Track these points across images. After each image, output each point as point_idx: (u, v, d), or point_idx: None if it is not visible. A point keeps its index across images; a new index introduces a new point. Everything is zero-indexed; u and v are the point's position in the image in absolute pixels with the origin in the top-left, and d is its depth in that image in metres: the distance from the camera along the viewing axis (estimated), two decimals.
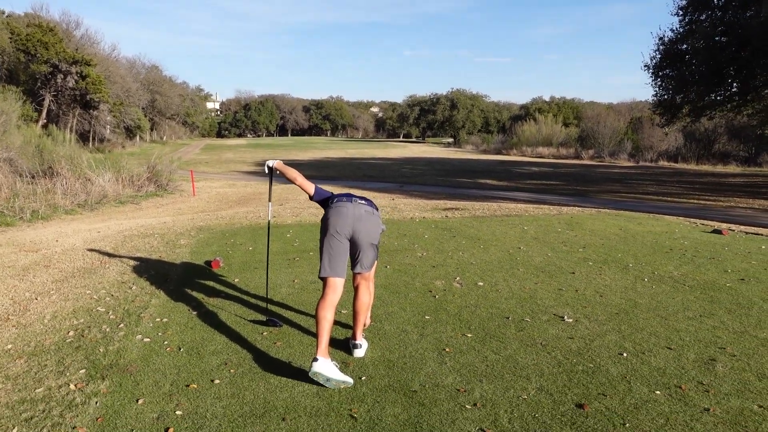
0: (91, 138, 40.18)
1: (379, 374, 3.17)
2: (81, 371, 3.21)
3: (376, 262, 3.55)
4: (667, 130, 33.28)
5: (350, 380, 3.00)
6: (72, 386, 3.02)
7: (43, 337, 3.78)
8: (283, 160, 3.80)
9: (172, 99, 62.83)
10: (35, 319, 4.17)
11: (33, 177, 14.47)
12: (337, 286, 3.26)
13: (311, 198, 3.62)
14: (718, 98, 21.15)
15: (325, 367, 2.96)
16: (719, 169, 31.61)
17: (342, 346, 3.58)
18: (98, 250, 6.80)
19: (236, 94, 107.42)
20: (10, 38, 32.14)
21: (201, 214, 11.10)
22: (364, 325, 3.65)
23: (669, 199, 16.21)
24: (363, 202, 3.43)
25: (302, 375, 3.13)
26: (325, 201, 3.55)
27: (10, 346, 3.62)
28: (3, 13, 40.60)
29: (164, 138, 65.09)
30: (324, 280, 3.29)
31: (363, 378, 3.12)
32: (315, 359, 3.00)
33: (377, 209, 3.54)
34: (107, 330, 3.89)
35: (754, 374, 3.18)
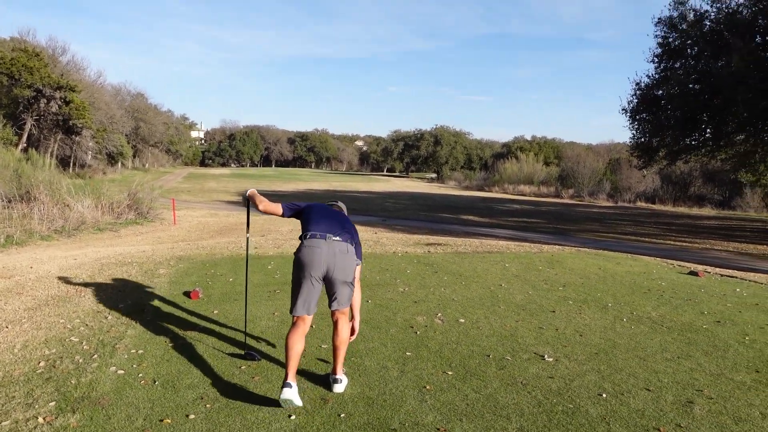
0: (71, 163, 39.76)
1: (359, 411, 3.13)
2: (51, 404, 3.10)
3: (356, 288, 3.52)
4: (644, 172, 34.15)
5: (300, 403, 3.11)
6: (40, 419, 2.91)
7: (12, 368, 3.66)
8: (266, 191, 3.81)
9: (156, 127, 62.72)
10: (5, 349, 4.04)
11: (9, 201, 14.22)
12: (307, 320, 3.33)
13: (284, 216, 3.61)
14: (693, 143, 21.86)
15: (296, 393, 3.07)
16: (695, 211, 32.39)
17: (321, 381, 3.53)
18: (74, 278, 6.65)
19: (221, 123, 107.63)
20: None
21: (181, 244, 10.97)
22: (351, 332, 3.59)
23: (647, 239, 16.51)
24: (338, 238, 3.33)
25: (280, 411, 3.08)
26: (299, 213, 3.55)
27: None
28: None
29: (146, 165, 64.69)
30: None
31: (342, 415, 3.07)
32: (288, 384, 3.06)
33: (354, 242, 3.45)
34: (80, 361, 3.78)
35: (730, 417, 3.21)
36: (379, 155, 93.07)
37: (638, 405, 3.33)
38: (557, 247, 11.66)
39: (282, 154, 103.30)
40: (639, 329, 5.03)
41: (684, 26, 19.77)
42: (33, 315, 4.96)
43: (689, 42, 19.91)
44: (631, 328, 5.05)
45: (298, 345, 3.20)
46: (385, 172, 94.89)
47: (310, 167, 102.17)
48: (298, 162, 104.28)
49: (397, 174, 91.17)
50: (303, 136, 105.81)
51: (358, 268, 3.50)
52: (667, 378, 3.81)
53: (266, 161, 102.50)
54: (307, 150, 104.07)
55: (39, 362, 3.76)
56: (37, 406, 3.08)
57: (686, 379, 3.81)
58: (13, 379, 3.46)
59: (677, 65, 20.72)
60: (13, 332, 4.45)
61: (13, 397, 3.20)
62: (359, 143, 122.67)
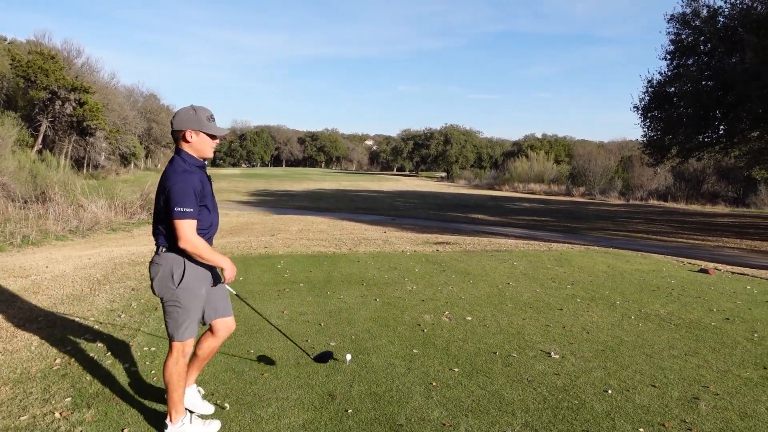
0: (85, 164, 40.27)
1: (366, 407, 3.18)
2: (67, 399, 3.19)
3: (183, 331, 2.98)
4: (657, 169, 33.88)
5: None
6: (57, 414, 3.00)
7: (29, 364, 3.76)
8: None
9: (169, 127, 63.08)
10: (22, 346, 4.15)
11: (25, 202, 14.47)
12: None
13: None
14: (706, 140, 21.67)
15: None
16: (708, 208, 32.05)
17: (329, 378, 3.57)
18: (88, 277, 6.78)
19: (232, 123, 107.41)
20: (11, 64, 32.54)
21: None
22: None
23: (658, 237, 16.39)
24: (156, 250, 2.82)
25: (289, 407, 3.14)
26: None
27: None
28: (5, 39, 41.23)
29: (159, 166, 65.15)
30: None
31: (349, 411, 3.13)
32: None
33: (163, 250, 2.81)
34: (94, 358, 3.87)
35: (736, 413, 3.22)
36: (389, 154, 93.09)
37: (643, 401, 3.35)
38: (566, 245, 11.63)
39: (292, 154, 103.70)
40: (646, 326, 5.04)
41: (697, 23, 19.62)
42: (49, 313, 5.08)
43: (702, 38, 19.76)
44: (638, 326, 5.05)
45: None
46: (394, 172, 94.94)
47: (320, 167, 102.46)
48: (308, 162, 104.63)
49: (406, 173, 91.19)
50: (313, 136, 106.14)
51: (180, 222, 2.66)
52: (674, 374, 3.82)
53: (276, 161, 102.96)
54: (317, 150, 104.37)
55: (55, 359, 3.86)
56: (53, 402, 3.17)
57: (693, 375, 3.82)
58: (30, 376, 3.56)
59: (690, 62, 20.57)
60: (30, 330, 4.56)
61: (31, 393, 3.29)
62: (369, 143, 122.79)
